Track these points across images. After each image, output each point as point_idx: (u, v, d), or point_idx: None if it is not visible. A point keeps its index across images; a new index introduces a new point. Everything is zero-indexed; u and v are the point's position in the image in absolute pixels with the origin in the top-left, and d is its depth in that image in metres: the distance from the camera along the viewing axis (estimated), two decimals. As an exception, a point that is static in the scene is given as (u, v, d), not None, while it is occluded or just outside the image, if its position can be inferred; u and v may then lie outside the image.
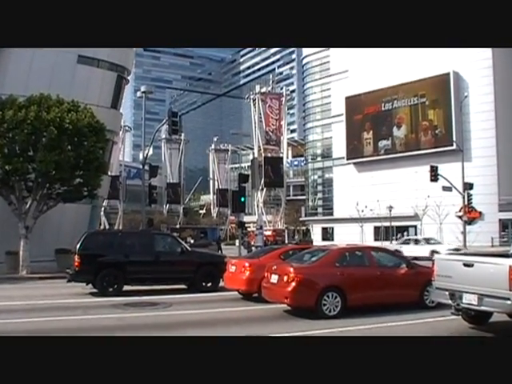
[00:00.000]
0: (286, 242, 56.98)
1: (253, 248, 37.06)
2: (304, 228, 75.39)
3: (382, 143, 61.68)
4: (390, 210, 52.33)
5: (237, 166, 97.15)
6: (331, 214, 66.63)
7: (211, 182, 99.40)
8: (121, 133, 66.57)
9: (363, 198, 58.95)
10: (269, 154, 71.00)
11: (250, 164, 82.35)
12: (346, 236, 58.39)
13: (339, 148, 65.41)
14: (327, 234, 67.11)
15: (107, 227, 70.21)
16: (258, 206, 70.15)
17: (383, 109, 61.26)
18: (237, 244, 44.37)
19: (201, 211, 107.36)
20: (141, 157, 32.03)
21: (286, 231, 66.25)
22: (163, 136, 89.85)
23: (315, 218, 69.51)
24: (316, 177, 72.11)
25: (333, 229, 66.41)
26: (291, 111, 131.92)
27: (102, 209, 64.71)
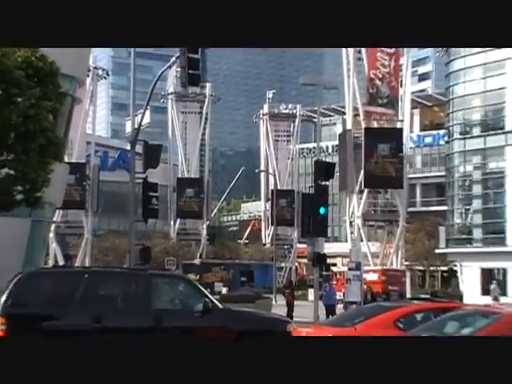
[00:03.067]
0: (408, 294, 56.21)
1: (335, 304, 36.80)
2: (445, 269, 74.22)
3: None
4: None
5: (311, 145, 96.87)
6: (502, 243, 65.08)
7: (262, 177, 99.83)
8: (89, 81, 68.30)
9: None
10: (375, 123, 70.41)
11: (336, 143, 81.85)
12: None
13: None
14: (492, 282, 65.61)
15: (61, 262, 71.68)
16: (351, 224, 69.78)
17: None
18: (310, 297, 44.19)
19: (241, 240, 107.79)
20: (128, 128, 32.50)
21: (409, 274, 65.45)
22: (171, 89, 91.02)
23: (467, 249, 68.14)
24: (470, 168, 70.71)
25: (505, 271, 64.87)
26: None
27: (53, 227, 66.51)
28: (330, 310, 36.21)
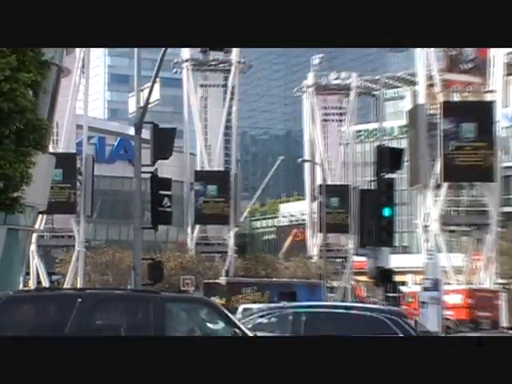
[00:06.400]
0: (504, 322, 56.06)
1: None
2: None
3: None
4: None
5: (371, 127, 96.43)
6: None
7: (306, 168, 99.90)
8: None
9: None
10: (455, 96, 70.08)
11: (405, 123, 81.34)
12: None
13: None
14: None
15: (46, 282, 71.95)
16: (425, 229, 69.56)
17: None
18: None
19: (279, 252, 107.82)
20: (131, 107, 32.67)
21: (504, 296, 65.12)
22: (186, 55, 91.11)
23: None
24: None
25: None
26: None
27: (35, 237, 66.75)
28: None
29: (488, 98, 69.50)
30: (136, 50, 30.07)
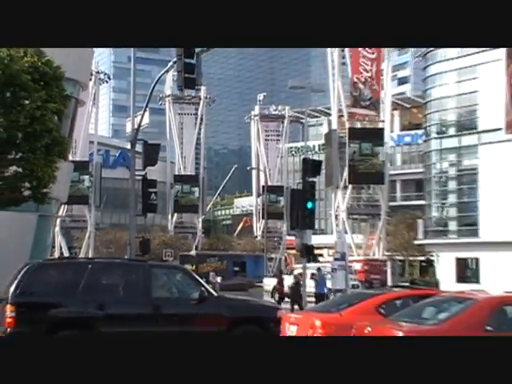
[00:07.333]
0: (389, 282, 56.28)
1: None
2: (423, 258, 74.32)
3: None
4: None
5: (300, 145, 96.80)
6: (475, 234, 65.19)
7: (253, 173, 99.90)
8: (91, 84, 68.08)
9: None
10: (358, 124, 70.48)
11: (323, 142, 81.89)
12: (504, 274, 56.82)
13: (491, 111, 63.86)
14: (466, 271, 65.75)
15: (66, 254, 71.53)
16: (336, 217, 69.94)
17: None
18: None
19: (234, 233, 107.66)
20: (128, 128, 32.45)
21: (389, 264, 65.52)
22: (168, 92, 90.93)
23: (443, 240, 68.31)
24: (446, 165, 70.90)
25: (477, 260, 64.94)
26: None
27: (58, 221, 66.39)
28: (321, 297, 36.17)
29: (380, 125, 70.01)
30: (132, 87, 29.80)
